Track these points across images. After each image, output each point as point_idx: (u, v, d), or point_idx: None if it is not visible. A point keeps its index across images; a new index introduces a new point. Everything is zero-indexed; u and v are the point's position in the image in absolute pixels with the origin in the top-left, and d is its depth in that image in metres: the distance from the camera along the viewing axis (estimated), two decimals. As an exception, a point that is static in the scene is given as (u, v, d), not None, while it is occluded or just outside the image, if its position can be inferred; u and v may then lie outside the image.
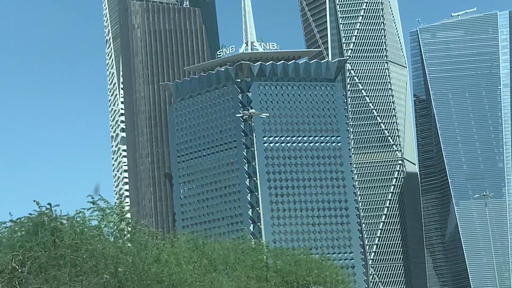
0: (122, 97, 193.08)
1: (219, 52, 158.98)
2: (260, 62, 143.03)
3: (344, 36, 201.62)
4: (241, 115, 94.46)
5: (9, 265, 11.09)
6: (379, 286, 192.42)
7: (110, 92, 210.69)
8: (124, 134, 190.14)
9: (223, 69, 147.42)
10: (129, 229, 12.56)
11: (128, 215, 14.80)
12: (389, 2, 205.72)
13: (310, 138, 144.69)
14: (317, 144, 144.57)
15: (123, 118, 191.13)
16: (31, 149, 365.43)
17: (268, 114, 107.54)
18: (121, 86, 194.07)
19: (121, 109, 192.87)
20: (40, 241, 10.96)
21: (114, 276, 11.42)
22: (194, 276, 12.48)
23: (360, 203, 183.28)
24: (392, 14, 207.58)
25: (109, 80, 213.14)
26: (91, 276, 11.07)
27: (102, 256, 11.24)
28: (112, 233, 12.25)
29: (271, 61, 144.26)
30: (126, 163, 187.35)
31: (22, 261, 11.06)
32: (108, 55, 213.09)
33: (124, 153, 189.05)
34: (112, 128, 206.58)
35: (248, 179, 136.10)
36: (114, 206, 12.58)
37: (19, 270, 11.17)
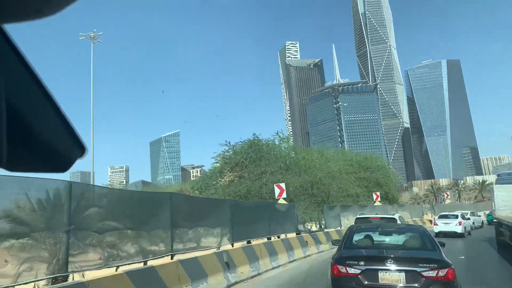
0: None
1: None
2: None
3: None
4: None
5: (240, 161, 24.41)
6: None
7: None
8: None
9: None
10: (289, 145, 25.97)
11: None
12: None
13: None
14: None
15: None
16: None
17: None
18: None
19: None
20: (253, 150, 24.16)
21: (284, 164, 24.72)
22: (319, 163, 26.28)
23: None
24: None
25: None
26: (273, 164, 24.11)
27: (280, 155, 24.48)
28: (286, 148, 25.61)
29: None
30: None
31: (244, 160, 24.30)
32: None
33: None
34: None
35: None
36: (286, 136, 25.79)
37: (244, 162, 24.40)
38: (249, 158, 24.09)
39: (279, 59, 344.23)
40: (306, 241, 15.77)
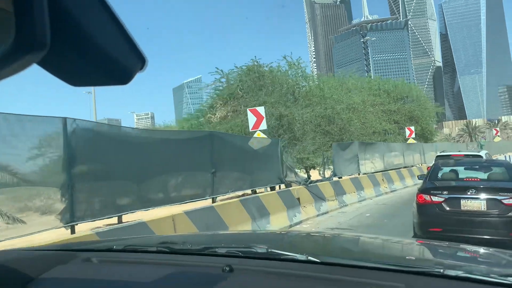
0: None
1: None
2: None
3: None
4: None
5: (234, 92, 19.32)
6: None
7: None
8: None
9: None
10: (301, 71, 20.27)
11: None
12: None
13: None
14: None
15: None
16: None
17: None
18: None
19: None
20: (251, 77, 18.87)
21: (292, 95, 19.39)
22: (336, 93, 20.65)
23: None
24: None
25: None
26: (276, 94, 18.88)
27: (285, 84, 19.06)
28: (294, 75, 20.01)
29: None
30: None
31: (240, 90, 19.18)
32: None
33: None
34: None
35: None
36: (296, 61, 20.05)
37: (239, 92, 19.33)
38: (246, 87, 18.94)
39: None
40: (298, 198, 10.30)
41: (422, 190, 7.02)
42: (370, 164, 16.59)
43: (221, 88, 20.28)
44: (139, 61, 0.55)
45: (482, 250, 1.81)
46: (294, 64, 20.81)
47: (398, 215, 10.27)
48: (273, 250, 1.40)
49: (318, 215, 10.57)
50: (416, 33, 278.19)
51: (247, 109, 12.58)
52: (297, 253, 1.36)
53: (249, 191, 10.81)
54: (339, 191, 12.40)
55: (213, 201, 8.32)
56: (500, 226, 6.31)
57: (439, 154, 15.96)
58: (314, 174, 15.90)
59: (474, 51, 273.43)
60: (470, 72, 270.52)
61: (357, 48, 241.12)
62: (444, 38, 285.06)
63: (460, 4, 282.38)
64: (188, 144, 8.06)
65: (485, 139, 59.61)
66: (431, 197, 6.70)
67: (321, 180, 12.66)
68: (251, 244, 1.51)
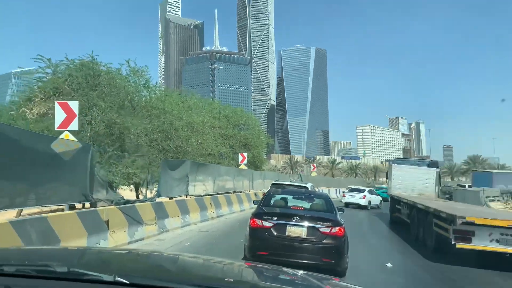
0: None
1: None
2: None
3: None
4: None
5: (61, 86, 16.71)
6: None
7: None
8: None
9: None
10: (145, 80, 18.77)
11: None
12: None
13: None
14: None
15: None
16: None
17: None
18: None
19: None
20: (83, 74, 16.63)
21: (130, 103, 17.82)
22: (177, 109, 19.83)
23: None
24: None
25: None
26: (111, 98, 17.13)
27: (124, 89, 17.42)
28: (136, 83, 18.33)
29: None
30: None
31: (68, 86, 16.70)
32: None
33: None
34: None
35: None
36: (140, 69, 18.44)
37: (67, 88, 16.81)
38: (76, 83, 16.55)
39: (159, 11, 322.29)
40: (107, 221, 8.26)
41: (255, 215, 7.38)
42: (202, 186, 16.17)
43: (45, 79, 17.29)
44: None
45: (299, 273, 1.94)
46: (137, 71, 19.37)
47: (220, 244, 9.84)
48: (75, 269, 1.27)
49: (130, 243, 9.04)
50: (258, 72, 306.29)
51: (56, 101, 10.48)
52: (104, 273, 1.24)
53: (37, 209, 8.69)
54: (162, 214, 11.00)
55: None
56: (316, 251, 6.91)
57: (274, 182, 17.26)
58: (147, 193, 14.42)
59: (302, 97, 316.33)
60: (297, 114, 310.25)
61: (205, 73, 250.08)
62: (280, 81, 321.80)
63: (295, 55, 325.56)
64: None
65: (303, 173, 68.07)
66: (263, 222, 7.13)
67: (140, 201, 11.16)
68: (49, 262, 1.32)
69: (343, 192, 29.60)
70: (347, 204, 26.36)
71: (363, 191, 27.91)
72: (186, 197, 14.07)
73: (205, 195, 15.77)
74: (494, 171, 51.72)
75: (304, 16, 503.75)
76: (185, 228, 12.10)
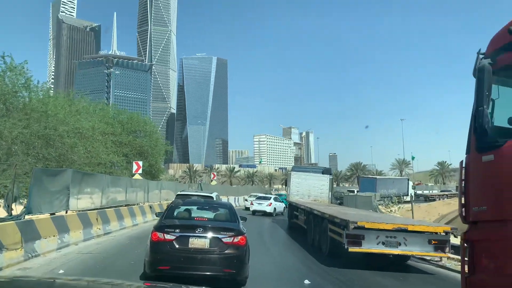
0: None
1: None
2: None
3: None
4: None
5: None
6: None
7: None
8: None
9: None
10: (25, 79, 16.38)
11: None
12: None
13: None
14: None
15: None
16: None
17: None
18: None
19: None
20: None
21: (4, 104, 15.38)
22: (63, 113, 17.70)
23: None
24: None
25: None
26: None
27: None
28: (13, 81, 15.83)
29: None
30: None
31: None
32: None
33: None
34: None
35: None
36: (19, 65, 16.00)
37: None
38: None
39: (51, 11, 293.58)
40: None
41: (157, 228, 7.13)
42: (88, 199, 14.34)
43: None
44: None
45: None
46: (15, 67, 16.91)
47: (105, 268, 8.58)
48: None
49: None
50: (158, 79, 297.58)
51: None
52: None
53: None
54: (31, 235, 9.20)
55: None
56: (218, 262, 6.89)
57: (179, 193, 17.13)
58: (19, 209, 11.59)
59: (202, 105, 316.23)
60: (197, 122, 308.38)
61: (100, 79, 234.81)
62: (180, 89, 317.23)
63: (197, 63, 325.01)
64: None
65: (202, 181, 67.63)
66: (164, 235, 6.92)
67: (1, 220, 9.12)
68: None
69: (251, 201, 30.63)
70: (254, 212, 27.60)
71: (269, 198, 29.40)
72: (66, 212, 12.17)
73: (92, 210, 14.02)
74: (377, 177, 57.85)
75: (207, 26, 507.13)
76: (62, 251, 10.40)
